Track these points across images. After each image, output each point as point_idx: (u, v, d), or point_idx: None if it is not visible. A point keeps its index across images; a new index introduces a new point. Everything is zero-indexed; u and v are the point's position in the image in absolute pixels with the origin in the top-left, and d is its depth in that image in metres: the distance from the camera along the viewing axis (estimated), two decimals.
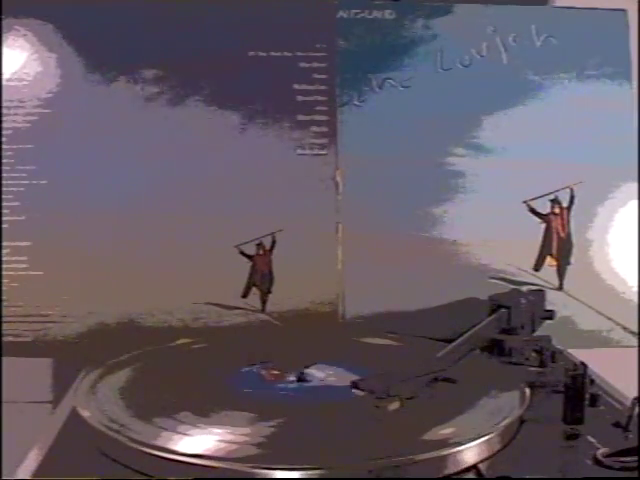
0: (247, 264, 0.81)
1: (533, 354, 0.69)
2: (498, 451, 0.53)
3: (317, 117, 0.82)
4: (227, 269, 0.80)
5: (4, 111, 0.79)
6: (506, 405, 0.58)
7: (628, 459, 0.51)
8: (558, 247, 0.84)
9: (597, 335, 0.83)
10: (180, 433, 0.53)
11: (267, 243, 0.81)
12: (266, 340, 0.77)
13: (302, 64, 0.83)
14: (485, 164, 0.84)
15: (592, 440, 0.55)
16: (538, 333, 0.75)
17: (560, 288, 0.84)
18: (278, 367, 0.65)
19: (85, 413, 0.56)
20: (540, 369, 0.67)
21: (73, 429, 0.57)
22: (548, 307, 0.78)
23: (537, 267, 0.84)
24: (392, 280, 0.81)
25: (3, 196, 0.79)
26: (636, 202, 0.84)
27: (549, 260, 0.84)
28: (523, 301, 0.74)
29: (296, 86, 0.83)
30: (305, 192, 0.82)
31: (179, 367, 0.68)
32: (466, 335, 0.68)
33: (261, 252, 0.81)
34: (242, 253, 0.81)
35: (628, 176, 0.84)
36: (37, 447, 0.55)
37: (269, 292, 0.81)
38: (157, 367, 0.68)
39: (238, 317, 0.81)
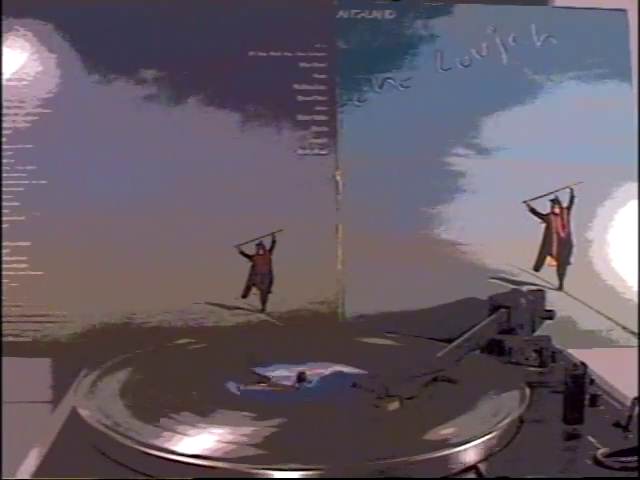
0: (247, 264, 0.81)
1: (533, 354, 0.69)
2: (498, 451, 0.53)
3: (317, 117, 0.82)
4: (227, 269, 0.80)
5: (4, 111, 0.79)
6: (506, 405, 0.58)
7: (628, 459, 0.51)
8: (558, 247, 0.84)
9: (597, 335, 0.83)
10: (180, 433, 0.53)
11: (267, 243, 0.81)
12: (266, 340, 0.77)
13: (302, 64, 0.83)
14: (485, 164, 0.84)
15: (592, 440, 0.55)
16: (538, 333, 0.75)
17: (560, 288, 0.84)
18: (255, 380, 0.65)
19: (85, 413, 0.56)
20: (540, 369, 0.67)
21: (73, 429, 0.57)
22: (548, 307, 0.78)
23: (537, 267, 0.84)
24: (392, 280, 0.81)
25: (3, 196, 0.79)
26: (636, 202, 0.84)
27: (549, 260, 0.84)
28: (523, 301, 0.74)
29: (296, 86, 0.83)
30: (305, 192, 0.82)
31: (179, 367, 0.68)
32: (466, 335, 0.68)
33: (261, 252, 0.81)
34: (242, 253, 0.81)
35: (628, 176, 0.84)
36: (37, 447, 0.55)
37: (269, 292, 0.81)
38: (157, 367, 0.68)
39: (238, 317, 0.81)
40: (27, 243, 0.79)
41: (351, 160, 0.82)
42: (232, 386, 0.63)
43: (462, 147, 0.84)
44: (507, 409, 0.57)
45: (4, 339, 0.78)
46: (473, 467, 0.51)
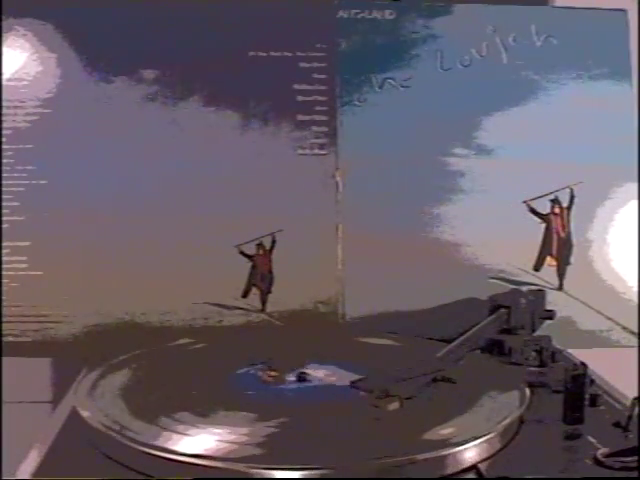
0: (247, 264, 0.81)
1: (533, 354, 0.69)
2: (498, 451, 0.53)
3: (317, 117, 0.82)
4: (227, 269, 0.80)
5: (4, 111, 0.79)
6: (506, 405, 0.58)
7: (628, 459, 0.51)
8: (558, 247, 0.84)
9: (597, 335, 0.83)
10: (180, 433, 0.53)
11: (267, 243, 0.81)
12: (266, 340, 0.77)
13: (302, 64, 0.83)
14: (485, 164, 0.84)
15: (592, 440, 0.55)
16: (538, 333, 0.74)
17: (560, 288, 0.84)
18: (275, 368, 0.65)
19: (85, 413, 0.56)
20: (540, 369, 0.67)
21: (73, 429, 0.57)
22: (548, 307, 0.78)
23: (537, 267, 0.84)
24: (392, 280, 0.81)
25: (3, 196, 0.79)
26: (636, 202, 0.84)
27: (549, 260, 0.84)
28: (523, 301, 0.74)
29: (296, 86, 0.83)
30: (305, 192, 0.82)
31: (179, 367, 0.68)
32: (466, 335, 0.68)
33: (261, 252, 0.81)
34: (242, 253, 0.81)
35: (628, 176, 0.84)
36: (37, 447, 0.55)
37: (269, 292, 0.81)
38: (157, 367, 0.68)
39: (238, 317, 0.81)
40: (27, 243, 0.79)
41: (351, 160, 0.82)
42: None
43: (462, 147, 0.84)
44: (507, 409, 0.57)
45: (4, 339, 0.78)
46: (473, 467, 0.51)
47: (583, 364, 0.58)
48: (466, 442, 0.51)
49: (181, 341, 0.75)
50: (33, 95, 0.80)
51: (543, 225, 0.84)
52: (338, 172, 0.82)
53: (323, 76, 0.83)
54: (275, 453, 0.50)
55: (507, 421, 0.55)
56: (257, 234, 0.81)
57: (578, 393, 0.57)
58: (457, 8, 0.84)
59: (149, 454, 0.50)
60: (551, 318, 0.77)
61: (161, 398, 0.60)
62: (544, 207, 0.84)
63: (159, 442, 0.51)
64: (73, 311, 0.79)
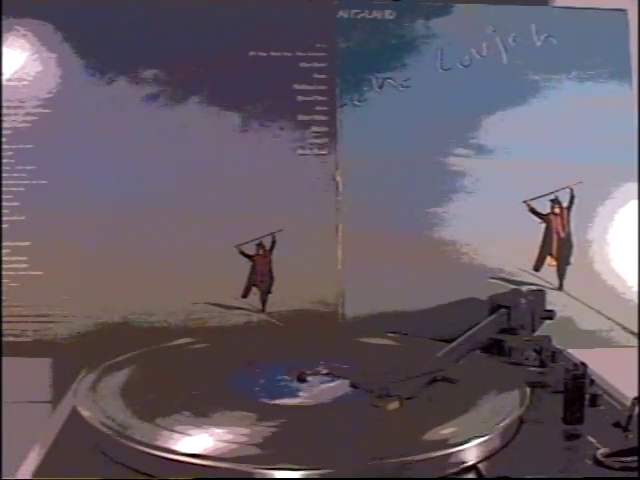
0: (247, 264, 0.81)
1: (533, 354, 0.69)
2: (498, 451, 0.53)
3: (317, 117, 0.82)
4: (227, 269, 0.80)
5: (4, 111, 0.79)
6: (506, 405, 0.58)
7: (628, 459, 0.51)
8: (558, 247, 0.84)
9: (597, 335, 0.83)
10: (180, 433, 0.53)
11: (267, 243, 0.81)
12: (266, 340, 0.77)
13: (302, 64, 0.83)
14: (485, 164, 0.84)
15: (592, 440, 0.55)
16: (538, 333, 0.75)
17: (560, 288, 0.84)
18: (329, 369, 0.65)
19: (85, 413, 0.56)
20: (540, 369, 0.67)
21: (73, 429, 0.57)
22: (548, 307, 0.78)
23: (537, 267, 0.84)
24: (392, 280, 0.81)
25: (3, 196, 0.79)
26: (636, 202, 0.84)
27: (549, 260, 0.84)
28: (523, 301, 0.74)
29: (296, 86, 0.83)
30: (305, 192, 0.82)
31: (179, 367, 0.68)
32: (466, 335, 0.68)
33: (261, 252, 0.81)
34: (242, 253, 0.81)
35: (628, 176, 0.84)
36: (37, 447, 0.55)
37: (269, 292, 0.81)
38: (157, 367, 0.68)
39: (238, 317, 0.81)
40: (27, 243, 0.79)
41: (351, 160, 0.82)
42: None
43: (462, 147, 0.84)
44: (507, 409, 0.57)
45: (4, 339, 0.78)
46: (473, 467, 0.51)
47: (583, 364, 0.59)
48: (466, 442, 0.51)
49: (181, 341, 0.75)
50: (33, 95, 0.80)
51: (543, 225, 0.84)
52: (338, 172, 0.82)
53: (323, 76, 0.83)
54: (275, 453, 0.50)
55: (507, 421, 0.55)
56: (257, 234, 0.81)
57: (578, 393, 0.57)
58: (457, 8, 0.84)
59: (149, 454, 0.50)
60: (551, 318, 0.77)
61: (161, 398, 0.60)
62: (544, 207, 0.84)
63: (159, 442, 0.51)
64: (73, 311, 0.79)
